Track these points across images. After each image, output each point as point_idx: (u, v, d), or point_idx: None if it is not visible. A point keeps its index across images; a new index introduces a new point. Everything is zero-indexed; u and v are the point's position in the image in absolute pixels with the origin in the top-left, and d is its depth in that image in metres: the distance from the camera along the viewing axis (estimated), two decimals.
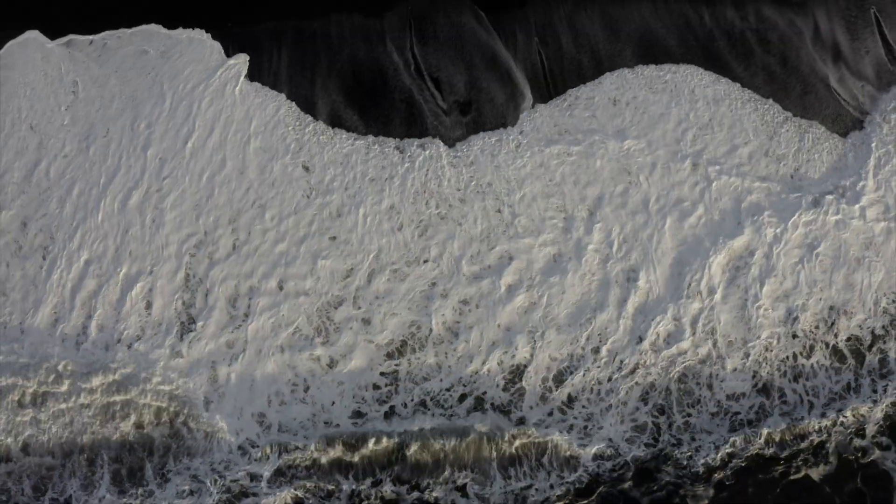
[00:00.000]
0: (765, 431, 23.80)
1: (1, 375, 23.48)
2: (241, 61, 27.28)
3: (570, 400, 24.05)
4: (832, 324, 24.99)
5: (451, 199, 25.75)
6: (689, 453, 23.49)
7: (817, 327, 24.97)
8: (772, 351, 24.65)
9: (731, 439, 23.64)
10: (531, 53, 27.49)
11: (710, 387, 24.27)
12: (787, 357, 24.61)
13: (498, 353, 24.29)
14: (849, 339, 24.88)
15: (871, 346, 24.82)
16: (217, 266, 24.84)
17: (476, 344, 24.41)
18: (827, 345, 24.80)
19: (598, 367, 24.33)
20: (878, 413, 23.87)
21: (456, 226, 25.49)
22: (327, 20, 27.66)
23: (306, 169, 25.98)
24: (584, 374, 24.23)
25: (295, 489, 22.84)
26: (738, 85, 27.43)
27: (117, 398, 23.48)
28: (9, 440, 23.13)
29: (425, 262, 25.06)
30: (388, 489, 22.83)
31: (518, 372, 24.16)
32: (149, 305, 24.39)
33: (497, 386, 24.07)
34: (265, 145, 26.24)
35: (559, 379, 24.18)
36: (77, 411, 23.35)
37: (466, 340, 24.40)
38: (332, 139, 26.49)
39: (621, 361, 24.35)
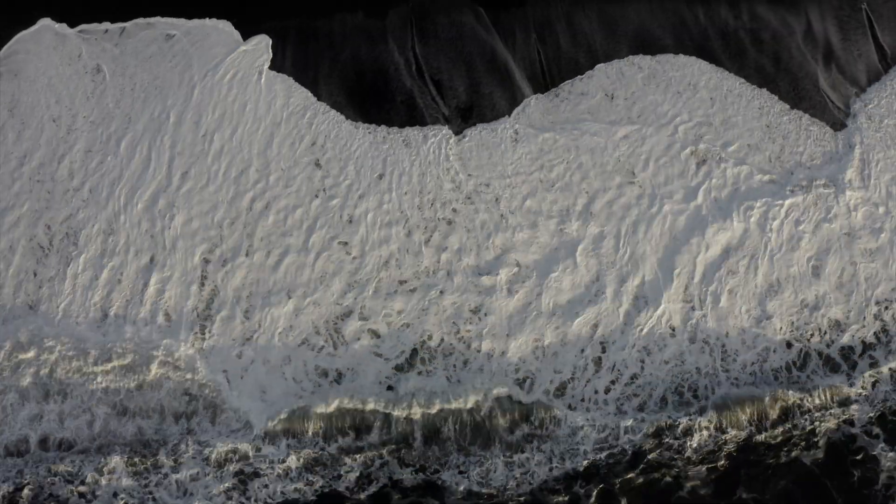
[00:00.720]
0: (751, 408, 24.62)
1: (24, 373, 24.28)
2: (264, 44, 27.81)
3: (571, 410, 24.63)
4: (825, 333, 25.56)
5: (455, 201, 26.23)
6: (684, 439, 24.26)
7: (812, 336, 25.54)
8: (767, 361, 25.22)
9: (717, 419, 24.36)
10: (530, 51, 28.16)
11: (707, 399, 24.93)
12: (782, 367, 25.21)
13: (504, 363, 24.82)
14: (841, 349, 25.46)
15: (862, 354, 25.42)
16: (230, 273, 25.35)
17: (485, 353, 24.92)
18: (820, 354, 25.37)
19: (599, 376, 24.92)
20: (870, 411, 24.63)
21: (464, 231, 25.95)
22: (330, 18, 28.23)
23: (318, 165, 26.54)
24: (584, 385, 24.83)
25: (305, 469, 23.62)
26: (741, 79, 28.02)
27: (134, 399, 24.24)
28: (31, 434, 23.87)
29: (434, 272, 25.54)
30: (395, 470, 23.55)
31: (522, 383, 24.74)
32: (167, 315, 24.95)
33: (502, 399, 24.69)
34: (282, 140, 26.74)
35: (560, 391, 24.75)
36: (96, 406, 24.11)
37: (477, 350, 24.93)
38: (345, 132, 26.94)
39: (619, 372, 24.92)
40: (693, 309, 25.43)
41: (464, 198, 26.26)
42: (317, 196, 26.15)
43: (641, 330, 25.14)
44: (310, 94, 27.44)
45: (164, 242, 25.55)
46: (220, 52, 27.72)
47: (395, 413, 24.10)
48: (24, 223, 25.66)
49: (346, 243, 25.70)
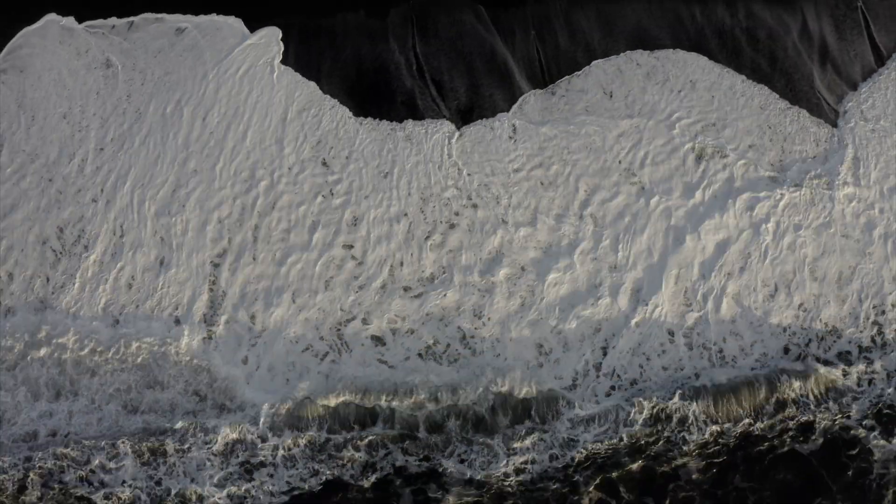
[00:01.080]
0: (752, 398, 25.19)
1: (36, 372, 24.76)
2: (274, 37, 27.99)
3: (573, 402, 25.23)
4: (822, 338, 25.96)
5: (456, 201, 26.53)
6: (682, 432, 24.82)
7: (809, 342, 25.98)
8: (765, 367, 25.62)
9: (714, 414, 24.88)
10: (529, 50, 28.47)
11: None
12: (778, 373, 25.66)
13: (507, 368, 25.23)
14: (838, 354, 25.91)
15: (858, 356, 25.88)
16: (236, 275, 25.71)
17: (488, 360, 25.33)
18: (818, 359, 25.80)
19: (599, 382, 25.39)
20: (866, 407, 25.15)
21: (466, 233, 26.27)
22: (332, 17, 28.46)
23: (324, 164, 26.81)
24: (586, 391, 25.31)
25: (310, 458, 24.15)
26: (742, 76, 28.28)
27: (145, 398, 24.76)
28: (40, 429, 24.37)
29: (437, 276, 25.85)
30: (398, 458, 24.13)
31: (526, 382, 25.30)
32: (176, 318, 25.41)
33: (508, 404, 25.16)
34: (290, 137, 26.98)
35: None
36: (106, 405, 24.63)
37: (481, 352, 25.39)
38: (351, 128, 27.18)
39: (619, 377, 25.41)
40: (691, 311, 25.89)
41: (465, 198, 26.67)
42: (323, 196, 26.53)
43: (640, 334, 25.59)
44: (316, 86, 27.73)
45: (172, 244, 25.99)
46: (231, 47, 28.00)
47: (399, 408, 24.62)
48: (36, 224, 26.03)
49: (350, 246, 26.12)
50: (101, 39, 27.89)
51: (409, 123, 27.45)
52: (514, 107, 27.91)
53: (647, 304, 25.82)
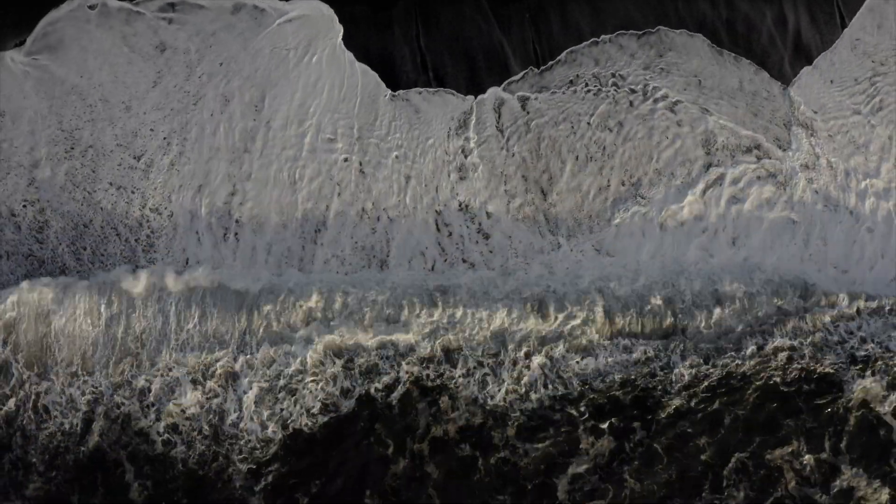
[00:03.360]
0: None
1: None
2: (330, 16, 28.08)
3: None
4: (801, 293, 27.77)
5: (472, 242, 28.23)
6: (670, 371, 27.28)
7: (789, 296, 28.13)
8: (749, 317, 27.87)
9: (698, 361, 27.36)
10: (526, 45, 30.15)
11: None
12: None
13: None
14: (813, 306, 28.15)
15: (832, 311, 28.26)
16: (287, 309, 26.64)
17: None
18: (799, 311, 27.80)
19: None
20: (839, 349, 27.50)
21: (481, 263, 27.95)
22: (340, 8, 29.21)
23: (362, 173, 27.76)
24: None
25: (342, 375, 26.27)
26: (754, 64, 30.07)
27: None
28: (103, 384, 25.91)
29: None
30: (414, 369, 26.46)
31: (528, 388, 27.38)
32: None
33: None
34: (347, 130, 27.60)
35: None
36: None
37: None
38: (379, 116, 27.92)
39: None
40: (677, 316, 27.92)
41: (485, 233, 28.36)
42: (360, 217, 27.14)
43: (619, 340, 27.59)
44: (370, 71, 28.55)
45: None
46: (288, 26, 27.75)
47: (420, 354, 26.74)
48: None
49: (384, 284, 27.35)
50: (148, 21, 26.89)
51: (420, 100, 29.04)
52: (503, 85, 29.50)
53: (630, 304, 27.60)
